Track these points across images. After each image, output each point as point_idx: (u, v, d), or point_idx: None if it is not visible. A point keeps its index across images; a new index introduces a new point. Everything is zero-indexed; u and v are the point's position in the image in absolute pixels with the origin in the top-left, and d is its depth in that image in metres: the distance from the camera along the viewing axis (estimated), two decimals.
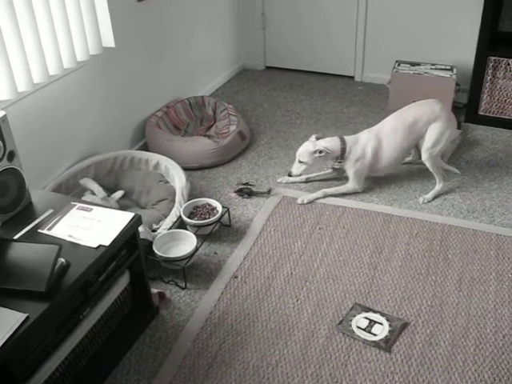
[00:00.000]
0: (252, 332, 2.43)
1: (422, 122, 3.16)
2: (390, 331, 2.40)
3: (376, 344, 2.35)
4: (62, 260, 1.97)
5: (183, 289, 2.67)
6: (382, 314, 2.49)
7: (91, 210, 2.28)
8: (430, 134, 3.16)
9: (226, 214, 3.02)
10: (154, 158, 3.24)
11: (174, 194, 3.07)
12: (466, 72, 4.10)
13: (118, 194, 3.00)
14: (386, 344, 2.35)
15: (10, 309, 1.81)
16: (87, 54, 2.93)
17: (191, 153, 3.47)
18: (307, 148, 3.18)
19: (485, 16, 3.65)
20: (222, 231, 3.02)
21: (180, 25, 3.98)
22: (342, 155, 3.18)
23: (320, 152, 3.13)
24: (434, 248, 2.85)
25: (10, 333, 1.72)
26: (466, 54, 4.14)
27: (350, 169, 3.23)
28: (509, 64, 3.69)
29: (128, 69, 3.52)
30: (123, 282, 2.37)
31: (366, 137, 3.22)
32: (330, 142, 3.19)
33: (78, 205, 2.31)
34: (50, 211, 2.29)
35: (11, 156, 2.20)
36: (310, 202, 3.22)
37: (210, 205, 3.01)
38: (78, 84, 3.12)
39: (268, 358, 2.31)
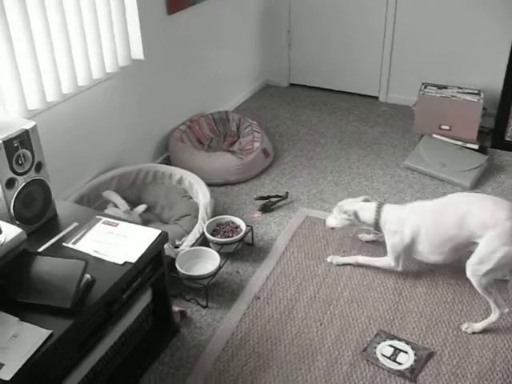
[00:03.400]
0: (274, 355, 2.38)
1: (475, 221, 2.45)
2: (415, 360, 2.34)
3: (401, 373, 2.29)
4: (87, 276, 1.94)
5: (204, 307, 2.63)
6: (407, 343, 2.43)
7: (117, 224, 2.26)
8: (481, 244, 2.44)
9: (249, 233, 2.99)
10: (177, 172, 3.21)
11: (197, 210, 3.04)
12: (492, 96, 4.05)
13: (141, 207, 2.98)
14: (412, 374, 2.29)
15: (34, 324, 1.79)
16: (116, 65, 2.94)
17: (215, 168, 3.45)
18: (342, 205, 2.86)
19: None
20: (245, 250, 2.98)
21: (206, 39, 3.98)
22: (375, 225, 2.76)
23: (348, 215, 2.80)
24: (459, 276, 2.79)
25: (34, 349, 1.70)
26: (493, 78, 4.08)
27: (388, 241, 2.74)
28: None
29: (154, 81, 3.52)
30: (145, 298, 2.34)
31: (409, 210, 2.70)
32: (364, 210, 2.78)
33: (104, 219, 2.28)
34: (75, 224, 2.26)
35: (39, 167, 2.19)
36: (339, 265, 2.89)
37: (233, 223, 2.98)
38: (105, 96, 3.12)
39: (291, 383, 2.26)
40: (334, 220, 2.92)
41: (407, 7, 4.28)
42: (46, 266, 1.95)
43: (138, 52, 3.07)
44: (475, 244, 2.48)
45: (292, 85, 5.03)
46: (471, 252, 2.49)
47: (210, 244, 2.88)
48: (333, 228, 2.97)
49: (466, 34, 4.16)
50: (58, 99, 2.65)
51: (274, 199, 3.32)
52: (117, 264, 2.04)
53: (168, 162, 3.67)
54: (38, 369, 1.72)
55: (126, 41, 2.95)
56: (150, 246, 2.14)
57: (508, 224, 2.36)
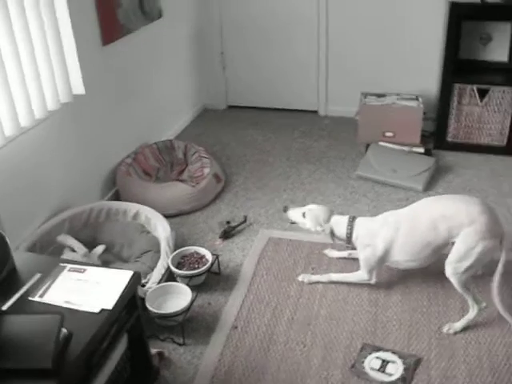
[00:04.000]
0: None
1: (451, 222, 2.47)
2: (404, 369, 2.32)
3: None
4: (64, 330, 1.79)
5: (182, 345, 2.50)
6: (394, 352, 2.41)
7: (84, 270, 2.10)
8: (458, 242, 2.46)
9: (215, 262, 2.89)
10: (132, 208, 3.07)
11: (157, 244, 2.91)
12: (430, 100, 4.20)
13: (100, 248, 2.82)
14: (404, 383, 2.27)
15: None
16: (58, 102, 2.78)
17: (168, 199, 3.33)
18: (319, 216, 2.77)
19: (448, 45, 3.77)
20: (212, 279, 2.88)
21: (143, 68, 3.88)
22: (348, 239, 2.72)
23: (323, 230, 2.75)
24: (430, 279, 2.81)
25: None
26: (428, 82, 4.25)
27: (359, 254, 2.73)
28: (473, 90, 3.80)
29: (95, 116, 3.37)
30: (122, 345, 2.19)
31: (380, 222, 2.68)
32: (338, 226, 2.73)
33: (69, 266, 2.12)
34: (38, 275, 2.08)
35: None
36: (312, 283, 2.83)
37: (197, 253, 2.87)
38: (47, 135, 2.94)
39: None
40: (298, 217, 2.83)
41: (338, 20, 4.39)
42: (16, 325, 1.77)
43: (78, 87, 2.93)
44: (453, 244, 2.51)
45: (230, 107, 5.00)
46: (446, 253, 2.52)
47: (177, 278, 2.76)
48: (291, 222, 2.89)
49: (399, 43, 4.32)
50: (0, 143, 2.47)
51: (233, 224, 3.25)
52: (93, 313, 1.89)
53: (117, 197, 3.52)
54: None
55: (65, 76, 2.81)
56: (124, 290, 2.01)
57: (483, 218, 2.40)
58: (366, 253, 2.67)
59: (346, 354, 2.42)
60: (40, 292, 1.99)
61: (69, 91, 2.85)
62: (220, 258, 2.99)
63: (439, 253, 2.61)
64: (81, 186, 3.28)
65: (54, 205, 3.07)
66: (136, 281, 2.10)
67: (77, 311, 1.90)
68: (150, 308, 2.49)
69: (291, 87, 4.74)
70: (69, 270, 2.10)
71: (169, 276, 2.77)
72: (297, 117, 4.74)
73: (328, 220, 2.77)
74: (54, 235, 2.87)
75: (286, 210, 2.90)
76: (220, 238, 3.18)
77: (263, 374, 2.34)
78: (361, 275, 2.76)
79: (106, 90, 3.48)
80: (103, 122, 3.48)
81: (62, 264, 2.14)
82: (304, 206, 2.88)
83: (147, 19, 3.79)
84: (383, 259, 2.67)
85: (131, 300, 2.11)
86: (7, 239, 2.08)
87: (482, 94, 3.82)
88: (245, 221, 3.28)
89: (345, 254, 3.00)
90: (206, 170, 3.57)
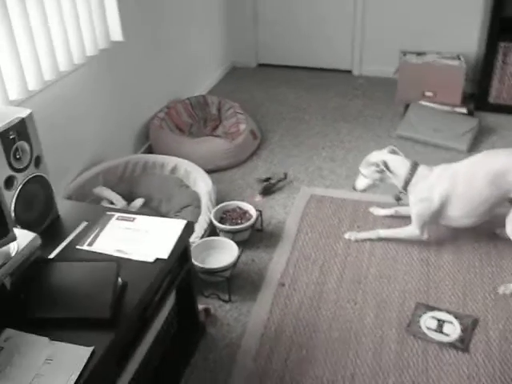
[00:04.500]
0: (316, 344, 2.19)
1: (510, 176, 2.37)
2: (462, 330, 2.23)
3: (452, 345, 2.16)
4: (119, 279, 1.69)
5: (227, 302, 2.41)
6: (449, 312, 2.31)
7: (134, 219, 1.99)
8: None
9: (258, 218, 2.78)
10: (170, 161, 2.95)
11: (197, 199, 2.80)
12: (469, 61, 4.01)
13: (138, 201, 2.71)
14: (462, 344, 2.17)
15: (69, 342, 1.52)
16: (96, 48, 2.64)
17: (204, 154, 3.21)
18: (369, 157, 2.66)
19: (495, 2, 3.58)
20: (255, 236, 2.77)
21: (175, 21, 3.72)
22: (405, 184, 2.57)
23: (377, 166, 2.60)
24: (481, 239, 2.70)
25: (77, 373, 1.42)
26: (468, 42, 4.07)
27: (412, 207, 2.58)
28: None
29: (129, 66, 3.23)
30: (171, 300, 2.09)
31: (439, 175, 2.53)
32: (396, 162, 2.58)
33: (117, 214, 2.01)
34: (85, 224, 1.97)
35: (38, 161, 1.89)
36: (359, 241, 2.72)
37: (240, 208, 2.76)
38: (83, 81, 2.82)
39: (341, 370, 2.08)
40: (362, 181, 2.69)
41: None
42: (69, 273, 1.68)
43: (116, 33, 2.78)
44: (510, 199, 2.40)
45: (260, 65, 4.82)
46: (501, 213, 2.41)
47: (220, 233, 2.65)
48: (363, 190, 2.71)
49: (438, 2, 4.09)
50: (39, 87, 2.33)
51: (273, 181, 3.13)
52: (147, 262, 1.79)
53: (150, 152, 3.39)
54: None
55: (104, 21, 2.67)
56: (178, 239, 1.90)
57: None
58: (420, 207, 2.55)
59: (400, 313, 2.32)
60: (88, 240, 1.88)
61: (107, 37, 2.72)
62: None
63: (494, 210, 2.50)
64: (114, 139, 3.16)
65: (86, 158, 2.95)
66: (189, 231, 1.99)
67: (129, 260, 1.79)
68: (196, 263, 2.38)
69: (325, 45, 4.55)
70: (117, 219, 1.99)
71: (211, 232, 2.67)
72: (330, 76, 4.56)
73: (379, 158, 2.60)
74: (88, 189, 2.76)
75: (354, 187, 2.76)
76: (260, 194, 3.06)
77: (315, 332, 2.25)
78: (412, 230, 2.63)
79: (141, 40, 3.33)
80: (137, 73, 3.34)
81: (109, 212, 2.04)
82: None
83: None
84: (438, 214, 2.55)
85: (184, 251, 2.01)
86: (52, 185, 1.98)
87: None
88: (285, 177, 3.15)
89: (391, 211, 2.88)
90: (242, 126, 3.44)
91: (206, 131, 3.59)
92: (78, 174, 2.87)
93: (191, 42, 4.01)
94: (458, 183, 2.48)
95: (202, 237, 2.57)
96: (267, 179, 3.14)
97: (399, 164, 2.58)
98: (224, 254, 2.51)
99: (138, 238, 1.89)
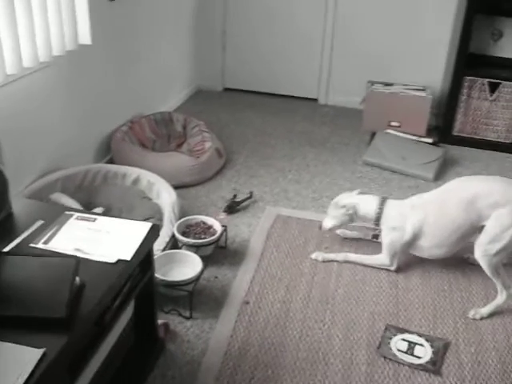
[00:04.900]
0: (282, 363, 2.06)
1: (485, 202, 2.34)
2: (433, 352, 2.15)
3: (424, 367, 2.08)
4: (76, 279, 1.53)
5: (188, 319, 2.26)
6: (420, 335, 2.23)
7: (95, 219, 1.85)
8: (490, 223, 2.32)
9: (222, 235, 2.66)
10: (133, 172, 2.82)
11: (160, 212, 2.67)
12: (435, 94, 4.09)
13: (98, 210, 2.55)
14: (434, 366, 2.09)
15: (16, 343, 1.35)
16: (63, 48, 2.52)
17: (168, 169, 3.08)
18: (338, 200, 2.65)
19: (463, 37, 3.68)
20: (218, 253, 2.65)
21: (143, 33, 3.65)
22: (376, 220, 2.57)
23: (347, 210, 2.59)
24: (449, 264, 2.66)
25: (25, 376, 1.25)
26: (434, 76, 4.15)
27: (384, 237, 2.57)
28: (484, 83, 3.71)
29: (95, 72, 3.13)
30: (129, 309, 1.94)
31: (411, 206, 2.53)
32: (365, 203, 2.59)
33: (77, 214, 1.86)
34: (40, 222, 1.81)
35: None
36: (326, 261, 2.64)
37: (204, 223, 2.64)
38: (48, 81, 2.72)
39: None
40: (330, 220, 2.68)
41: (346, 6, 4.23)
42: (21, 268, 1.51)
43: (85, 36, 2.67)
44: (481, 228, 2.38)
45: (226, 89, 4.78)
46: (472, 242, 2.40)
47: (183, 247, 2.51)
48: (330, 229, 2.71)
49: (405, 35, 4.19)
50: (0, 80, 2.19)
51: (238, 199, 3.03)
52: (108, 263, 1.64)
53: (112, 164, 3.25)
54: None
55: (73, 22, 2.56)
56: (143, 241, 1.77)
57: None
58: (392, 237, 2.53)
59: (370, 335, 2.22)
60: (44, 239, 1.72)
61: (75, 38, 2.60)
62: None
63: (466, 240, 2.48)
64: (74, 148, 3.01)
65: (44, 163, 2.78)
66: (154, 234, 1.86)
67: (89, 260, 1.64)
68: (157, 275, 2.23)
69: (292, 73, 4.56)
70: (76, 219, 1.84)
71: (172, 246, 2.53)
72: (296, 103, 4.56)
73: (348, 201, 2.63)
74: (45, 195, 2.60)
75: (320, 226, 2.74)
76: (224, 211, 2.95)
77: (282, 351, 2.12)
78: (382, 259, 2.59)
79: (110, 50, 3.25)
80: (103, 82, 3.23)
81: (67, 212, 1.89)
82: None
83: None
84: (409, 244, 2.53)
85: (147, 256, 1.87)
86: (7, 178, 1.82)
87: (492, 88, 3.74)
88: (250, 196, 3.06)
89: (359, 234, 2.82)
90: (208, 144, 3.35)
91: (170, 148, 3.48)
92: (34, 179, 2.70)
93: (159, 60, 3.93)
94: (430, 212, 2.47)
95: (164, 250, 2.43)
96: (233, 196, 3.04)
97: (369, 203, 2.60)
98: (187, 267, 2.37)
99: (99, 239, 1.75)
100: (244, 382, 1.98)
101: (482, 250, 2.32)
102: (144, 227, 1.83)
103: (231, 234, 2.80)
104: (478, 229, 2.41)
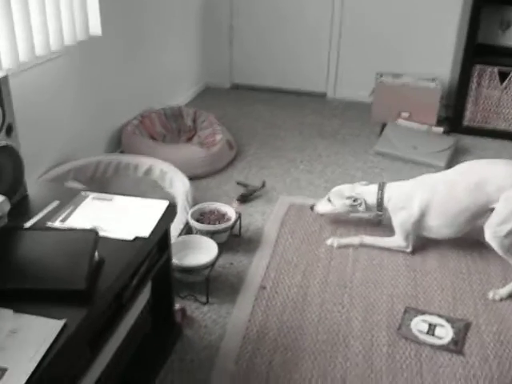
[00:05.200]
0: (302, 346, 2.03)
1: (492, 186, 2.35)
2: (454, 333, 2.11)
3: (445, 347, 2.04)
4: (95, 253, 1.52)
5: (205, 304, 2.23)
6: (440, 316, 2.20)
7: (111, 199, 1.83)
8: (500, 205, 2.32)
9: (236, 223, 2.63)
10: (144, 162, 2.81)
11: (173, 200, 2.62)
12: (443, 86, 4.06)
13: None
14: (456, 346, 2.05)
15: (36, 315, 1.33)
16: (74, 38, 2.53)
17: (180, 161, 3.06)
18: (343, 190, 2.66)
19: (471, 25, 3.66)
20: (232, 241, 2.62)
21: (154, 28, 3.66)
22: (379, 206, 2.57)
23: (354, 200, 2.60)
24: (466, 247, 2.63)
25: (47, 345, 1.23)
26: (442, 67, 4.13)
27: (394, 219, 2.56)
28: (494, 72, 3.69)
29: (106, 64, 3.14)
30: (146, 291, 1.91)
31: (415, 184, 2.56)
32: (368, 192, 2.61)
33: (93, 194, 1.85)
34: (56, 202, 1.79)
35: (9, 130, 1.73)
36: (342, 247, 2.62)
37: (218, 210, 2.62)
38: (60, 71, 2.71)
39: (331, 373, 1.92)
40: (325, 206, 2.71)
41: (354, 1, 4.23)
42: (41, 242, 1.50)
43: (95, 27, 2.68)
44: (490, 211, 2.37)
45: (234, 86, 4.78)
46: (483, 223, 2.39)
47: (198, 234, 2.49)
48: (323, 214, 2.75)
49: (413, 26, 4.17)
50: (14, 67, 2.19)
51: (251, 188, 3.01)
52: (126, 240, 1.62)
53: None
54: (52, 372, 1.26)
55: (84, 13, 2.57)
56: (160, 219, 1.75)
57: None
58: (401, 216, 2.52)
59: (389, 317, 2.19)
60: (61, 217, 1.70)
61: (86, 29, 2.62)
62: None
63: (475, 221, 2.46)
64: (85, 139, 3.00)
65: (56, 153, 2.77)
66: (171, 213, 1.84)
67: (107, 238, 1.62)
68: (173, 260, 2.21)
69: (300, 67, 4.54)
70: (93, 198, 1.83)
71: (186, 233, 2.51)
72: (305, 98, 4.55)
73: (354, 192, 2.63)
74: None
75: (312, 207, 2.77)
76: (237, 200, 2.93)
77: (301, 334, 2.09)
78: (397, 241, 2.57)
79: (119, 42, 3.26)
80: (113, 75, 3.24)
81: (83, 193, 1.87)
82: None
83: None
84: (419, 223, 2.50)
85: (163, 236, 1.85)
86: (22, 158, 1.80)
87: (503, 77, 3.71)
88: (263, 186, 3.04)
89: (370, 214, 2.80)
90: (218, 136, 3.33)
91: (180, 141, 3.47)
92: (45, 171, 2.68)
93: (167, 56, 3.93)
94: (437, 191, 2.47)
95: (179, 236, 2.41)
96: (246, 185, 3.02)
97: (371, 192, 2.61)
98: (202, 253, 2.34)
99: (117, 217, 1.73)
100: (264, 365, 1.95)
101: (492, 232, 2.32)
102: (161, 206, 1.82)
103: (245, 222, 2.77)
104: (487, 211, 2.39)
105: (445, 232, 2.53)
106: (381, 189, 2.58)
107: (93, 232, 1.51)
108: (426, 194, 2.48)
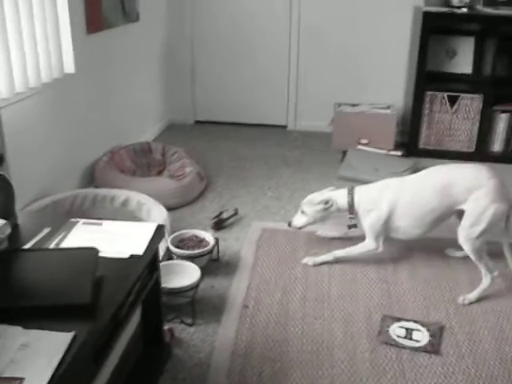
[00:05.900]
0: (289, 357, 2.11)
1: (459, 187, 2.47)
2: (431, 335, 2.24)
3: (424, 349, 2.17)
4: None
5: (191, 325, 2.29)
6: (415, 321, 2.33)
7: (101, 223, 1.90)
8: (469, 207, 2.45)
9: (214, 248, 2.72)
10: (121, 194, 2.87)
11: None
12: (398, 112, 4.32)
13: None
14: (433, 347, 2.18)
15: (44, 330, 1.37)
16: (50, 76, 2.62)
17: (152, 193, 3.11)
18: (313, 197, 2.76)
19: (420, 55, 3.95)
20: (211, 266, 2.70)
21: (119, 67, 3.77)
22: (350, 208, 2.69)
23: (326, 203, 2.70)
24: (433, 257, 2.80)
25: (60, 356, 1.27)
26: (395, 96, 4.41)
27: (363, 221, 2.68)
28: (444, 97, 3.97)
29: (76, 104, 3.21)
30: (137, 312, 1.97)
31: (383, 186, 2.67)
32: (338, 197, 2.71)
33: (82, 220, 1.91)
34: (48, 229, 1.85)
35: (1, 160, 1.80)
36: (317, 265, 2.72)
37: (197, 236, 2.70)
38: (35, 108, 2.76)
39: (319, 380, 2.01)
40: (301, 219, 2.80)
41: (308, 37, 4.49)
42: (43, 261, 1.56)
43: (69, 65, 2.77)
44: (456, 212, 2.53)
45: (197, 122, 4.92)
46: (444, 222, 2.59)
47: (178, 260, 2.56)
48: (300, 228, 2.82)
49: (367, 59, 4.46)
50: None
51: (224, 216, 3.11)
52: (122, 258, 1.69)
53: None
54: (65, 381, 1.31)
55: (59, 53, 2.68)
56: (151, 239, 1.82)
57: (492, 182, 2.44)
58: (370, 218, 2.65)
59: (368, 325, 2.30)
60: (55, 242, 1.76)
61: (61, 67, 2.71)
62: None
63: (442, 221, 2.62)
64: (59, 176, 3.05)
65: (31, 191, 2.78)
66: (160, 234, 1.91)
67: (103, 258, 1.68)
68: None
69: (260, 102, 4.75)
70: (83, 224, 1.89)
71: (167, 259, 2.57)
72: (266, 131, 4.73)
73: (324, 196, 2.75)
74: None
75: (290, 224, 2.85)
76: (212, 228, 3.02)
77: (287, 347, 2.17)
78: (367, 244, 2.70)
79: (90, 78, 3.35)
80: (84, 111, 3.32)
81: (72, 219, 1.93)
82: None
83: (126, 19, 3.73)
84: (387, 223, 2.63)
85: (154, 257, 1.92)
86: (13, 188, 1.86)
87: (452, 101, 4.00)
88: (236, 213, 3.15)
89: (340, 233, 2.95)
90: (188, 169, 3.43)
91: (150, 175, 3.55)
92: (24, 205, 2.71)
93: (133, 95, 4.04)
94: (405, 192, 2.61)
95: (160, 262, 2.47)
96: (219, 214, 3.12)
97: (340, 196, 2.72)
98: (185, 277, 2.40)
99: (109, 239, 1.80)
100: (255, 377, 2.02)
101: (465, 235, 2.45)
102: (150, 227, 1.89)
103: (221, 247, 2.85)
104: (453, 212, 2.57)
105: (412, 232, 2.66)
106: (350, 192, 2.70)
107: (93, 249, 1.57)
108: (394, 195, 2.62)
